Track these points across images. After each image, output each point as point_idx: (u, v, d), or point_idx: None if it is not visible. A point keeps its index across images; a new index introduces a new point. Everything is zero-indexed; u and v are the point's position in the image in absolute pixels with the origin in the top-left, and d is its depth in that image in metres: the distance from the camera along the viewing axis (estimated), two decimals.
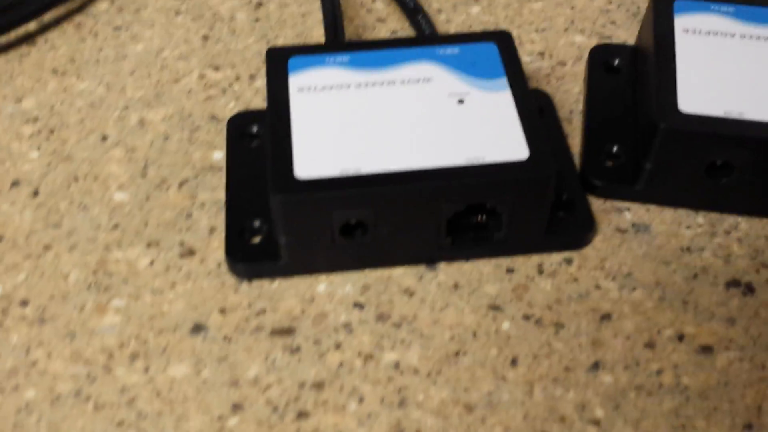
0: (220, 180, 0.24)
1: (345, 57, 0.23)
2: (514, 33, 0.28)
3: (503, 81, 0.22)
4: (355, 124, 0.21)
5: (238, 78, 0.27)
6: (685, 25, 0.23)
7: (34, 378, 0.19)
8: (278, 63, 0.22)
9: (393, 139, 0.21)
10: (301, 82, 0.22)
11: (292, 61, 0.23)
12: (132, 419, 0.19)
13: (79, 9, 0.29)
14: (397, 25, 0.29)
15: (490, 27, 0.29)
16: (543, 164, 0.20)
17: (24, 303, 0.21)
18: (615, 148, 0.24)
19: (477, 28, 0.29)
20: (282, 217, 0.20)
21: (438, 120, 0.21)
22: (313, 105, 0.21)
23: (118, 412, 0.19)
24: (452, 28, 0.28)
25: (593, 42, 0.28)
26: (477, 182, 0.20)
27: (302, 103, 0.21)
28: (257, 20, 0.29)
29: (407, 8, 0.27)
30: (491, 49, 0.23)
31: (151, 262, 0.22)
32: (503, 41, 0.23)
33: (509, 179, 0.20)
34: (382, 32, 0.28)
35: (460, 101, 0.21)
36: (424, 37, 0.25)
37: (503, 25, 0.28)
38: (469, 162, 0.20)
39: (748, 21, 0.23)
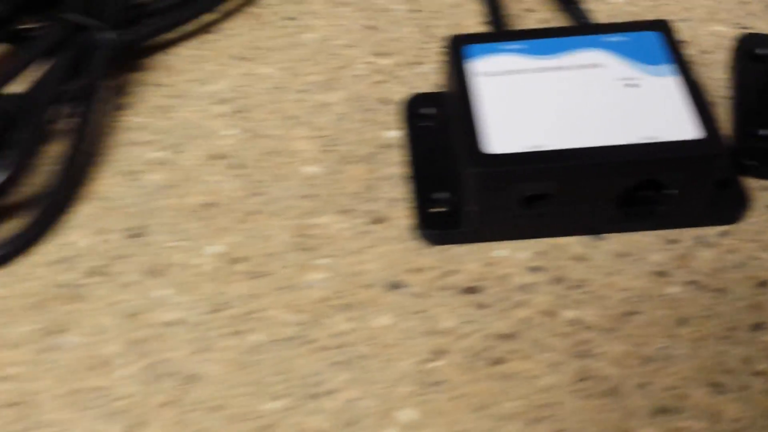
0: (396, 156, 0.26)
1: (519, 45, 0.25)
2: None
3: (670, 67, 0.24)
4: (535, 106, 0.23)
5: (401, 64, 0.29)
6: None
7: (260, 323, 0.22)
8: (459, 50, 0.25)
9: (572, 119, 0.23)
10: (481, 67, 0.24)
11: (471, 48, 0.25)
12: (349, 360, 0.22)
13: (253, 1, 0.32)
14: (546, 16, 0.31)
15: (635, 17, 0.31)
16: (715, 143, 0.22)
17: (241, 260, 0.24)
18: (765, 132, 0.25)
19: (622, 18, 0.31)
20: (474, 189, 0.23)
21: (612, 102, 0.23)
22: (495, 88, 0.24)
23: (336, 354, 0.22)
24: (599, 18, 0.30)
25: (734, 32, 0.30)
26: (654, 159, 0.22)
27: (485, 87, 0.24)
28: (413, 11, 0.31)
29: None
30: (654, 37, 0.25)
31: (346, 228, 0.25)
32: (665, 30, 0.25)
33: (684, 156, 0.22)
34: (532, 22, 0.31)
35: (631, 85, 0.24)
36: (588, 27, 0.27)
37: (648, 15, 0.30)
38: (643, 140, 0.22)
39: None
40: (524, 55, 0.25)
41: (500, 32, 0.27)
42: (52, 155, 0.25)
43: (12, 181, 0.24)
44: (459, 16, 0.31)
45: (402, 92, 0.28)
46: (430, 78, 0.29)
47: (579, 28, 0.26)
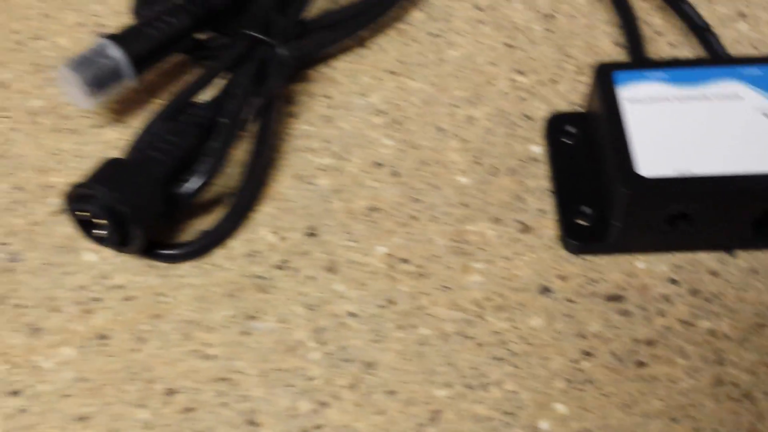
0: (540, 170, 0.29)
1: (662, 74, 0.27)
2: None
3: None
4: (680, 133, 0.26)
5: (540, 82, 0.32)
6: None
7: (425, 319, 0.25)
8: (606, 76, 0.27)
9: (713, 146, 0.25)
10: (628, 93, 0.27)
11: (618, 75, 0.27)
12: (506, 356, 0.24)
13: (400, 18, 0.35)
14: (675, 39, 0.33)
15: (760, 44, 0.32)
16: None
17: (405, 261, 0.27)
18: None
19: (747, 45, 0.32)
20: (623, 207, 0.25)
21: (750, 132, 0.25)
22: (642, 114, 0.26)
23: (494, 350, 0.25)
24: (725, 44, 0.32)
25: None
26: None
27: (633, 112, 0.26)
28: (550, 31, 0.34)
29: (696, 26, 0.31)
30: None
31: (497, 235, 0.27)
32: None
33: None
34: (661, 45, 0.33)
35: None
36: (726, 58, 0.29)
37: None
38: None
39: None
40: (667, 84, 0.27)
41: (644, 60, 0.30)
42: (236, 159, 0.29)
43: (207, 185, 0.27)
44: (592, 36, 0.33)
45: (542, 109, 0.31)
46: (567, 96, 0.31)
47: (717, 59, 0.28)
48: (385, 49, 0.34)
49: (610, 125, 0.26)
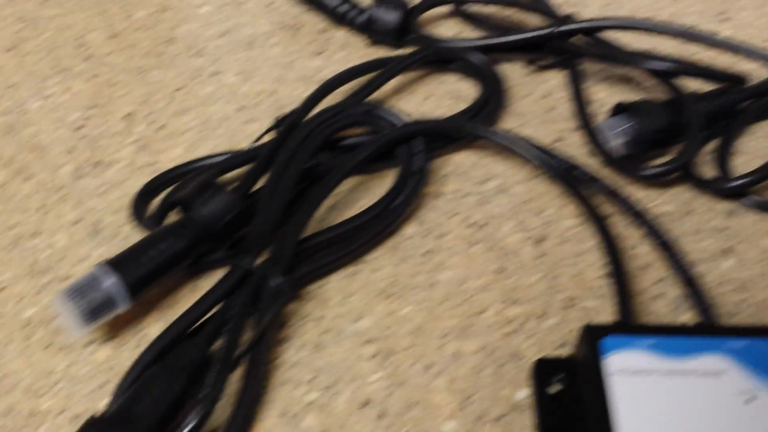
0: (527, 419, 0.29)
1: (650, 341, 0.28)
2: (764, 294, 0.33)
3: None
4: (664, 414, 0.26)
5: (531, 315, 0.33)
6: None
7: None
8: (593, 343, 0.28)
9: (693, 428, 0.26)
10: (614, 364, 0.27)
11: (604, 342, 0.28)
12: None
13: (395, 232, 0.35)
14: (661, 273, 0.34)
15: (743, 283, 0.33)
16: None
17: None
18: None
19: (730, 286, 0.33)
20: None
21: (729, 419, 0.26)
22: (627, 389, 0.27)
23: None
24: (707, 282, 0.33)
25: None
26: None
27: (619, 387, 0.27)
28: (540, 256, 0.35)
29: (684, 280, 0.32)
30: None
31: None
32: None
33: None
34: (648, 279, 0.34)
35: (750, 400, 0.26)
36: (715, 328, 0.30)
37: (753, 283, 0.33)
38: None
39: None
40: (654, 354, 0.28)
41: (631, 326, 0.30)
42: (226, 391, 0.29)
43: (208, 416, 0.27)
44: (582, 266, 0.34)
45: (530, 346, 0.31)
46: (555, 331, 0.32)
47: (706, 327, 0.29)
48: (379, 266, 0.34)
49: (595, 404, 0.26)
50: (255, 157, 0.36)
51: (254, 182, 0.34)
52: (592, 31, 0.39)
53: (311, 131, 0.36)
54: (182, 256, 0.31)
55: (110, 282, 0.29)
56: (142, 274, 0.30)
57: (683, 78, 0.39)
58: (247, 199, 0.33)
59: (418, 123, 0.36)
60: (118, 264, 0.30)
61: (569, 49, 0.40)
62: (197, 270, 0.33)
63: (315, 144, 0.35)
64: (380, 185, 0.37)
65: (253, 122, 0.40)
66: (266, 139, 0.37)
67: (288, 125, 0.36)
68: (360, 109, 0.37)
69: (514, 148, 0.36)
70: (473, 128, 0.36)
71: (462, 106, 0.40)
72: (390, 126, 0.37)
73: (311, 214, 0.33)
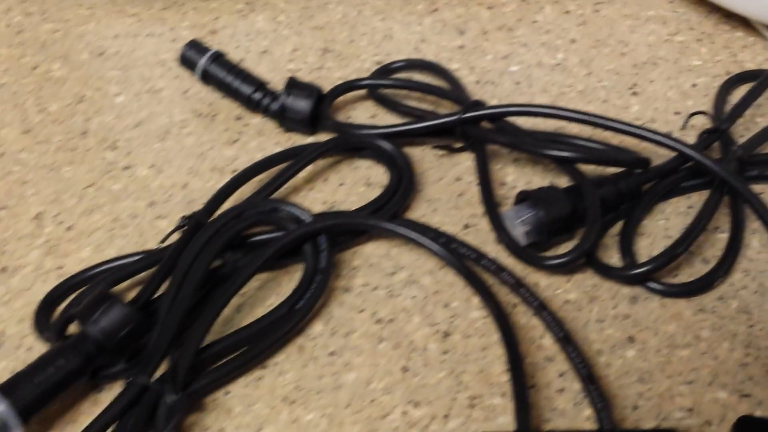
0: None
1: None
2: (665, 384, 0.33)
3: None
4: None
5: (435, 417, 0.33)
6: None
7: None
8: None
9: None
10: None
11: None
12: None
13: (301, 331, 0.35)
14: (564, 367, 0.34)
15: (645, 373, 0.34)
16: None
17: None
18: None
19: (633, 377, 0.34)
20: None
21: None
22: None
23: None
24: (611, 373, 0.34)
25: (734, 399, 0.33)
26: None
27: None
28: (445, 352, 0.35)
29: (582, 377, 0.32)
30: None
31: None
32: None
33: None
34: (553, 372, 0.34)
35: None
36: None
37: (655, 373, 0.33)
38: None
39: None
40: None
41: None
42: None
43: None
44: (487, 360, 0.34)
45: None
46: None
47: None
48: (284, 370, 0.34)
49: None
50: (160, 259, 0.36)
51: (156, 288, 0.34)
52: (496, 117, 0.40)
53: (216, 231, 0.36)
54: (78, 373, 0.31)
55: (0, 408, 0.29)
56: (35, 397, 0.30)
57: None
58: (146, 308, 0.33)
59: (322, 219, 0.37)
60: (8, 388, 0.30)
61: (476, 134, 0.40)
62: (97, 383, 0.33)
63: (220, 244, 0.35)
64: (291, 280, 0.37)
65: (163, 219, 0.40)
66: (173, 239, 0.37)
67: (193, 225, 0.36)
68: (266, 207, 0.37)
69: (419, 242, 0.37)
70: (376, 222, 0.37)
71: (375, 192, 0.41)
72: (296, 222, 0.37)
73: (213, 321, 0.33)
